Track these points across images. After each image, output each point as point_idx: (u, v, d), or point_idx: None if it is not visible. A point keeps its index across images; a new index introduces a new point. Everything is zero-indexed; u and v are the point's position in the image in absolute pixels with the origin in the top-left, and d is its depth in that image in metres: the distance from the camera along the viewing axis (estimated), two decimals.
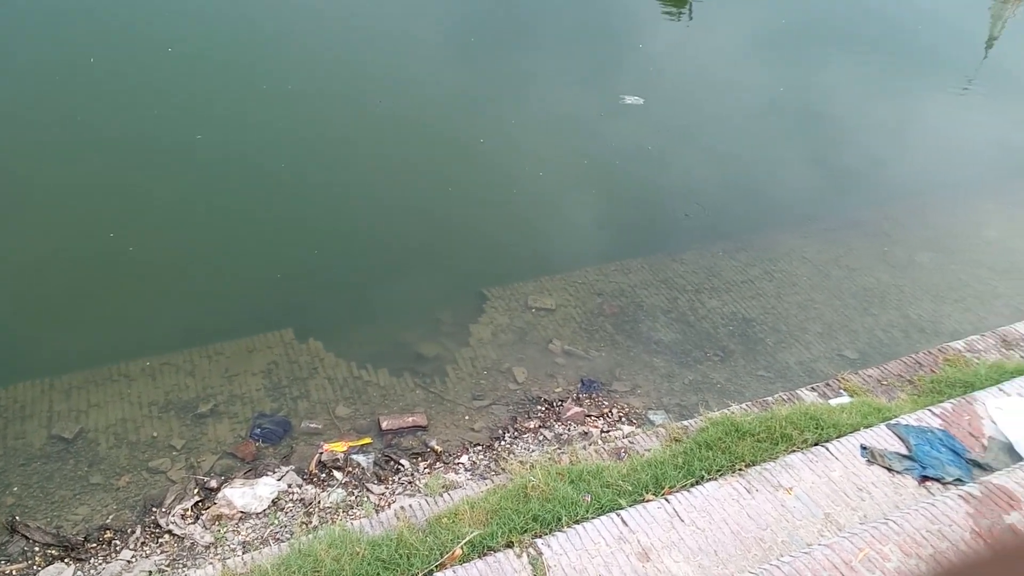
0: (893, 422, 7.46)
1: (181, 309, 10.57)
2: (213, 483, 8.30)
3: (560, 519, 6.30)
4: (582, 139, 15.15)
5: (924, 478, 6.85)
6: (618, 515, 6.33)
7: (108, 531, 7.84)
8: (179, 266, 11.10)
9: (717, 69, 18.49)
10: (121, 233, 11.18)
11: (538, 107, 15.84)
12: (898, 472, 6.89)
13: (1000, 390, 7.95)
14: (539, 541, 6.08)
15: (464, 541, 6.04)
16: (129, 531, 7.82)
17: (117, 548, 7.64)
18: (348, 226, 12.34)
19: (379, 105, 14.71)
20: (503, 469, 7.88)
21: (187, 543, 7.63)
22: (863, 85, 18.62)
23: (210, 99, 14.09)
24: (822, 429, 7.39)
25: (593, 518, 6.31)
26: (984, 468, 6.98)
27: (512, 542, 6.09)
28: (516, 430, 9.37)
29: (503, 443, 9.16)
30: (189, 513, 7.95)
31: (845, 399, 8.72)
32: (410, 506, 6.93)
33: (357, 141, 13.98)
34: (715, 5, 21.74)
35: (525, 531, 6.19)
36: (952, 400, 7.88)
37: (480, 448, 9.08)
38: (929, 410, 7.66)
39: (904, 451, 7.10)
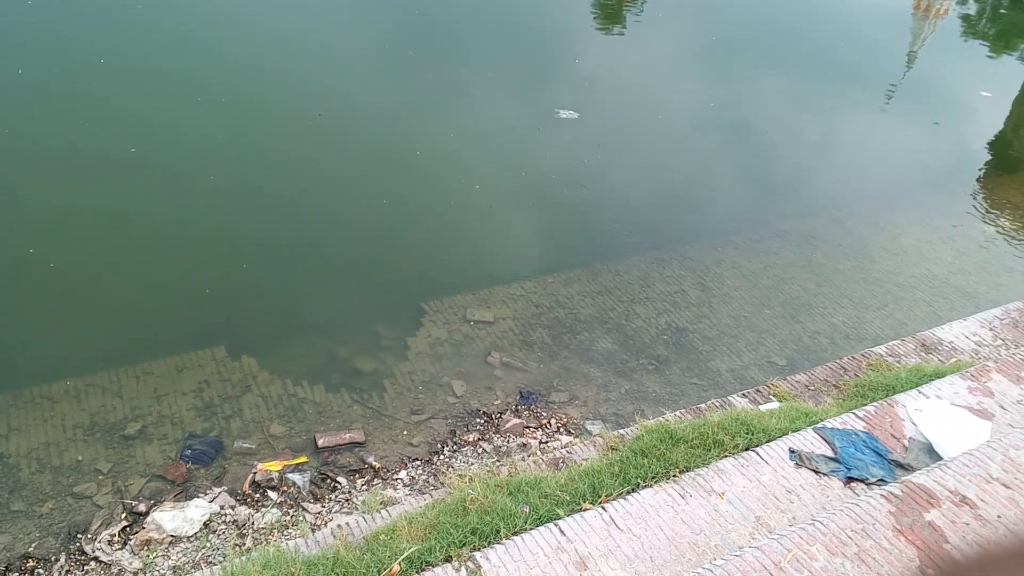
0: (819, 426, 7.70)
1: (107, 327, 10.28)
2: (142, 507, 8.06)
3: (499, 531, 6.31)
4: (519, 152, 15.31)
5: (849, 479, 7.10)
6: (556, 525, 6.38)
7: (31, 560, 7.53)
8: (104, 282, 10.81)
9: (650, 84, 18.93)
10: (41, 248, 10.80)
11: (475, 120, 15.97)
12: (824, 474, 7.13)
13: (919, 392, 8.31)
14: (477, 555, 6.08)
15: (402, 557, 6.00)
16: (53, 559, 7.53)
17: None
18: (282, 239, 12.19)
19: (319, 117, 14.65)
20: (442, 483, 7.86)
21: (114, 570, 7.37)
22: (789, 100, 19.31)
23: (142, 110, 13.74)
24: (752, 434, 7.58)
25: (531, 529, 6.35)
26: (905, 468, 7.28)
27: (451, 556, 6.08)
28: (455, 443, 9.36)
29: (442, 457, 9.14)
30: (116, 538, 7.69)
31: (774, 404, 8.97)
32: (347, 524, 6.85)
33: (292, 153, 13.85)
34: (649, 21, 22.24)
35: (464, 544, 6.19)
36: (875, 403, 8.18)
37: (419, 463, 9.04)
38: (853, 413, 7.94)
39: (830, 454, 7.35)
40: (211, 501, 8.17)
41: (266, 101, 14.75)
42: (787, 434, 7.60)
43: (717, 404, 8.93)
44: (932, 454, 7.52)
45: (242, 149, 13.63)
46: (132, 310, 10.56)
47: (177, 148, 13.22)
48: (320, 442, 9.10)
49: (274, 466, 8.65)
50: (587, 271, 12.79)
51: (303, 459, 8.89)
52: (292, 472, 8.65)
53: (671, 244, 13.68)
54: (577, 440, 8.91)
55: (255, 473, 8.55)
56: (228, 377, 9.87)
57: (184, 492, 8.34)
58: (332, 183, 13.49)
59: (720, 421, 7.88)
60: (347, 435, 9.23)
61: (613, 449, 7.68)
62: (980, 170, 18.11)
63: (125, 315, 10.48)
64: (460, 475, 7.59)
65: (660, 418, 8.27)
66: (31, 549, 7.60)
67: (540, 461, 7.78)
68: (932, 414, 7.91)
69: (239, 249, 11.74)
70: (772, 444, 7.38)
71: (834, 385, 9.31)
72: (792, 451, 7.30)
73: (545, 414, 9.98)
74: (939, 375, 8.82)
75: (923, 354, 9.99)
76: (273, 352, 10.34)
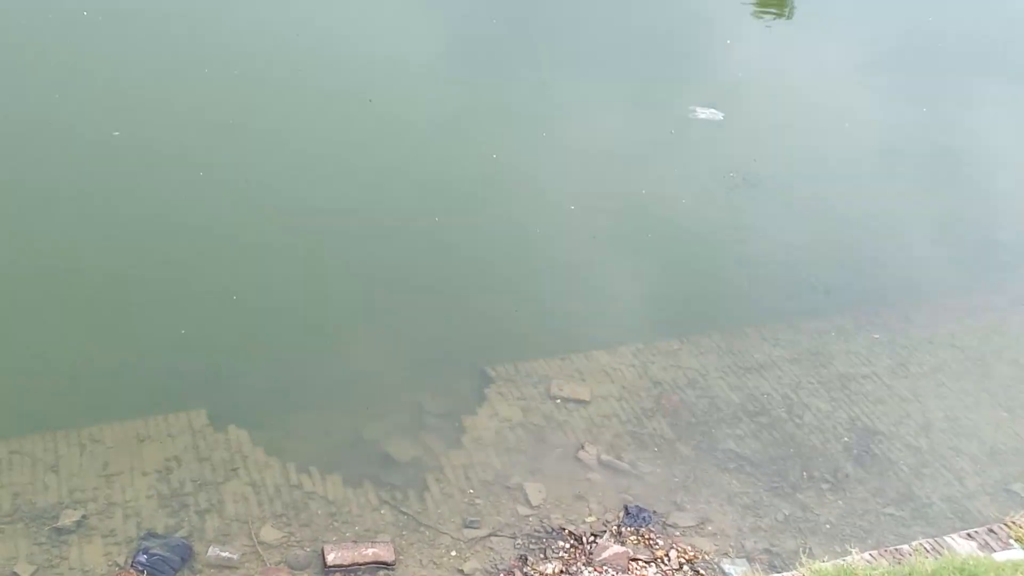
0: None
1: (43, 375, 10.40)
2: None
3: None
4: (637, 164, 15.29)
5: None
6: None
7: None
8: (43, 316, 10.99)
9: (825, 84, 18.88)
10: None
11: (576, 118, 16.08)
12: None
13: None
14: None
15: None
16: None
17: None
18: (294, 264, 12.32)
19: (369, 103, 15.23)
20: None
21: None
22: (1018, 123, 18.86)
23: (129, 86, 14.29)
24: None
25: None
26: None
27: None
28: (526, 575, 9.09)
29: None
30: None
31: (1018, 553, 8.58)
32: None
33: (318, 152, 14.22)
34: (820, 7, 22.33)
35: None
36: None
37: None
38: None
39: None
40: None
41: (308, 89, 15.47)
42: None
43: (927, 546, 8.57)
44: None
45: (247, 134, 14.09)
46: (76, 348, 10.65)
47: (156, 129, 13.75)
48: (330, 558, 8.94)
49: None
50: (729, 337, 12.59)
51: None
52: None
53: (857, 304, 13.43)
54: None
55: None
56: (207, 454, 9.84)
57: None
58: (369, 192, 13.65)
59: (935, 572, 7.57)
60: (369, 550, 9.06)
61: None
62: None
63: (69, 356, 10.56)
64: None
65: (841, 560, 8.02)
66: None
67: None
68: None
69: (232, 273, 11.91)
70: None
71: None
72: None
73: (662, 542, 9.64)
74: None
75: None
76: (273, 423, 10.32)
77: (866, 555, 8.51)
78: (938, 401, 12.15)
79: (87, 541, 8.87)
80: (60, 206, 12.44)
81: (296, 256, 12.47)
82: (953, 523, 10.17)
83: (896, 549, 8.56)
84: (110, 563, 8.71)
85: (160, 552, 8.77)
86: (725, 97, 17.21)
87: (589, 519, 9.90)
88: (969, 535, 8.91)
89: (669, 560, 9.46)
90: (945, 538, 8.82)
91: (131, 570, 8.62)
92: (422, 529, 9.53)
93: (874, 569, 7.81)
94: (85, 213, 12.31)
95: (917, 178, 16.55)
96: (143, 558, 8.70)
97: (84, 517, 9.04)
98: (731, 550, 9.75)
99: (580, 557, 9.37)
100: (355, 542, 9.21)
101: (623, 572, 9.24)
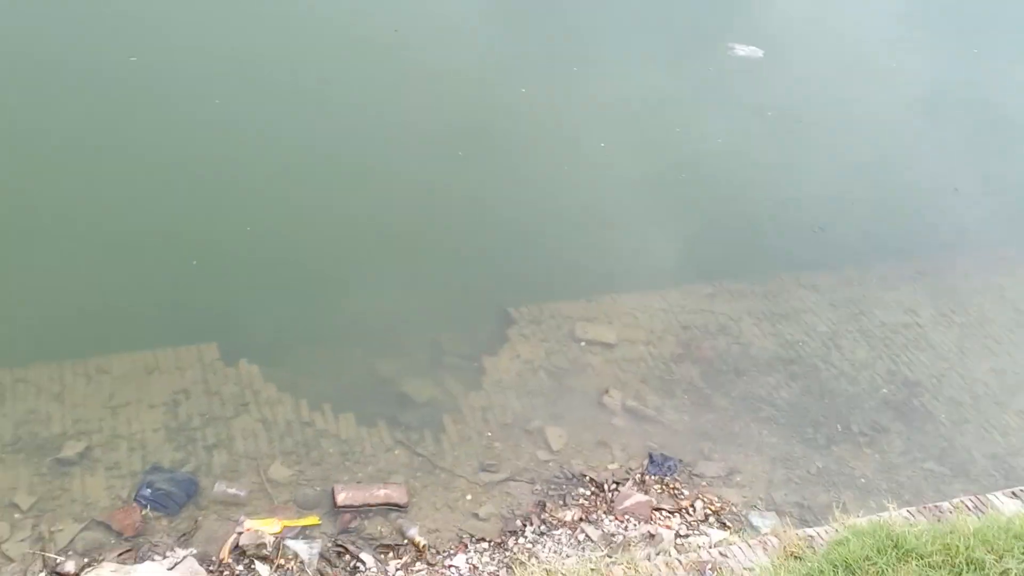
0: None
1: (51, 304, 10.31)
2: (69, 566, 7.89)
3: None
4: (670, 103, 15.07)
5: None
6: None
7: None
8: (53, 245, 10.90)
9: (866, 26, 18.68)
10: None
11: (611, 59, 15.93)
12: None
13: None
14: None
15: None
16: None
17: None
18: (311, 195, 12.19)
19: (395, 32, 15.21)
20: None
21: None
22: None
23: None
24: None
25: None
26: None
27: None
28: (544, 522, 8.98)
29: (522, 541, 8.75)
30: None
31: None
32: None
33: (346, 92, 14.14)
34: None
35: None
36: None
37: (486, 545, 8.67)
38: None
39: None
40: (171, 569, 7.97)
41: (334, 25, 15.37)
42: None
43: (970, 504, 8.31)
44: None
45: (266, 66, 14.02)
46: (85, 277, 10.60)
47: (171, 57, 13.74)
48: (341, 498, 8.86)
49: (270, 525, 8.48)
50: (764, 281, 12.44)
51: (314, 520, 8.69)
52: (295, 538, 8.47)
53: (901, 252, 13.28)
54: (736, 537, 8.34)
55: (241, 534, 8.39)
56: (217, 388, 9.78)
57: (134, 551, 8.16)
58: (391, 129, 13.53)
59: (979, 531, 7.20)
60: (381, 491, 8.99)
61: (795, 557, 7.26)
62: None
63: (74, 284, 10.50)
64: (548, 571, 7.37)
65: (875, 516, 7.69)
66: None
67: (675, 563, 7.38)
68: None
69: (247, 204, 11.82)
70: None
71: None
72: None
73: (687, 492, 9.52)
74: None
75: None
76: (286, 358, 10.27)
77: (904, 511, 8.23)
78: (984, 354, 11.97)
79: (90, 473, 8.85)
80: (71, 137, 12.41)
81: (315, 189, 12.36)
82: (996, 480, 10.04)
83: (936, 506, 8.31)
84: (113, 496, 8.67)
85: (165, 486, 8.74)
86: (765, 35, 17.08)
87: (612, 466, 9.80)
88: (1014, 493, 8.67)
89: (694, 511, 9.37)
90: (988, 496, 8.57)
91: (135, 504, 8.59)
92: (437, 471, 9.47)
93: (913, 526, 7.53)
94: (96, 143, 12.25)
95: (962, 127, 16.43)
96: (147, 492, 8.67)
97: (88, 448, 9.01)
98: (760, 502, 9.64)
99: (601, 505, 9.31)
100: (367, 483, 9.15)
101: (646, 521, 9.15)
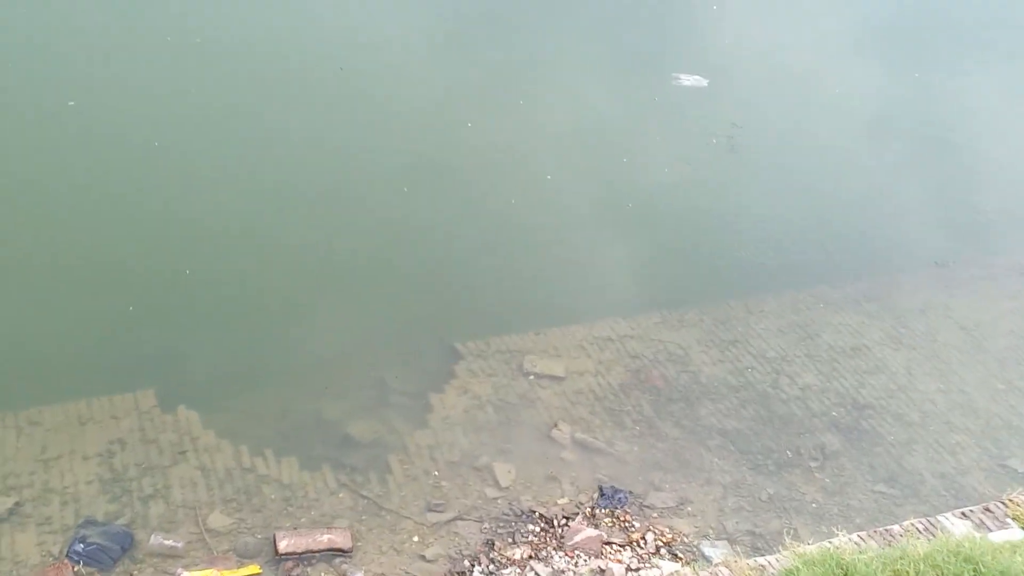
0: None
1: None
2: None
3: None
4: (615, 132, 15.14)
5: None
6: None
7: None
8: None
9: (810, 53, 18.78)
10: None
11: (558, 90, 15.93)
12: None
13: None
14: None
15: None
16: None
17: None
18: (250, 243, 12.02)
19: (340, 71, 15.14)
20: None
21: None
22: (1009, 97, 18.93)
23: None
24: None
25: None
26: None
27: None
28: (493, 561, 8.85)
29: None
30: None
31: (1016, 533, 8.22)
32: None
33: (282, 116, 13.99)
34: None
35: None
36: None
37: None
38: None
39: None
40: None
41: (277, 65, 15.26)
42: None
43: (920, 527, 8.22)
44: None
45: (204, 106, 13.87)
46: (13, 326, 10.38)
47: (107, 100, 13.56)
48: (283, 545, 8.69)
49: None
50: (711, 310, 12.44)
51: (254, 569, 8.50)
52: None
53: (846, 275, 13.32)
54: (688, 569, 8.26)
55: None
56: (154, 437, 9.59)
57: None
58: (331, 162, 13.41)
59: (928, 555, 7.13)
60: (325, 536, 8.81)
61: None
62: None
63: (6, 335, 10.28)
64: None
65: (826, 543, 7.61)
66: None
67: None
68: None
69: (184, 247, 11.60)
70: None
71: None
72: None
73: (638, 524, 9.43)
74: None
75: None
76: (227, 402, 10.10)
77: (854, 536, 8.16)
78: (931, 373, 12.04)
79: (20, 530, 8.62)
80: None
81: (255, 228, 12.22)
82: (947, 501, 10.05)
83: (886, 529, 8.24)
84: (44, 553, 8.44)
85: (99, 541, 8.52)
86: (710, 65, 17.15)
87: (561, 501, 9.71)
88: (964, 514, 8.64)
89: (645, 543, 9.30)
90: (939, 517, 8.54)
91: (66, 560, 8.36)
92: (383, 513, 9.33)
93: (863, 552, 7.46)
94: (21, 184, 12.09)
95: (905, 149, 16.61)
96: (79, 547, 8.44)
97: (17, 504, 8.79)
98: (711, 532, 9.59)
99: (551, 541, 9.21)
100: (309, 529, 8.99)
101: (596, 556, 9.06)
